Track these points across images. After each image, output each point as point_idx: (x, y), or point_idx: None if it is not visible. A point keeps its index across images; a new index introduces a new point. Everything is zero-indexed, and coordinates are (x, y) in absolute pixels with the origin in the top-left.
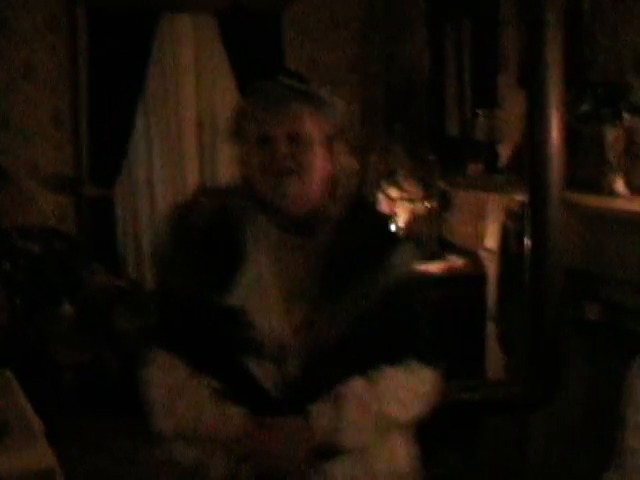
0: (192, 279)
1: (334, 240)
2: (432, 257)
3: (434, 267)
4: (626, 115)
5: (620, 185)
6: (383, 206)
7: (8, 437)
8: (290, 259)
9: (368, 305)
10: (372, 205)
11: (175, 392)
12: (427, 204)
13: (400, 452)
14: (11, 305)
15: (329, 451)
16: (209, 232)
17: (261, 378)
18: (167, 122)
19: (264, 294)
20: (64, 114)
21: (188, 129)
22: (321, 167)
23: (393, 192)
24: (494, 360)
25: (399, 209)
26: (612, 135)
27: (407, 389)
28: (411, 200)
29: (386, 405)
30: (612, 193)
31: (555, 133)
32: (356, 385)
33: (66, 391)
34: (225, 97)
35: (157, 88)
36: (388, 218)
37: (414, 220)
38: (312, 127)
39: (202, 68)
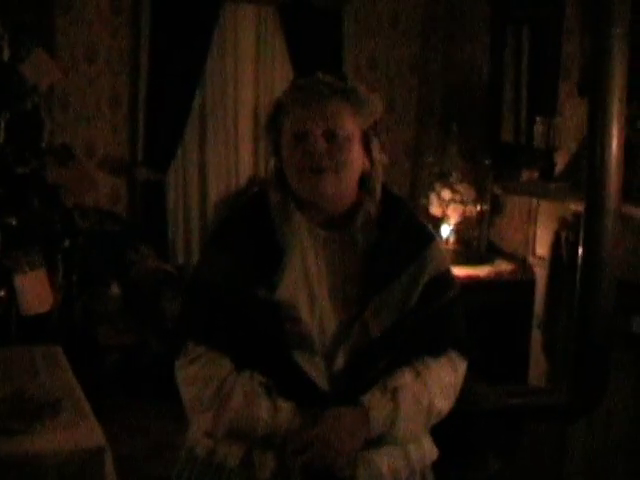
0: (235, 274)
1: (371, 235)
2: (480, 261)
3: (481, 271)
4: None
5: None
6: (434, 207)
7: (60, 414)
8: (331, 255)
9: (411, 298)
10: (403, 200)
11: (227, 389)
12: (478, 207)
13: (425, 441)
14: (67, 282)
15: (373, 442)
16: (252, 226)
17: (311, 372)
18: (224, 110)
19: (311, 290)
20: (122, 97)
21: (244, 119)
22: (357, 164)
23: (445, 193)
24: (537, 367)
25: (450, 211)
26: None
27: (448, 382)
28: (462, 202)
29: (434, 398)
30: None
31: (615, 145)
32: (407, 378)
33: (109, 372)
34: (283, 89)
35: (216, 76)
36: (418, 213)
37: (464, 222)
38: (349, 125)
39: (262, 59)
